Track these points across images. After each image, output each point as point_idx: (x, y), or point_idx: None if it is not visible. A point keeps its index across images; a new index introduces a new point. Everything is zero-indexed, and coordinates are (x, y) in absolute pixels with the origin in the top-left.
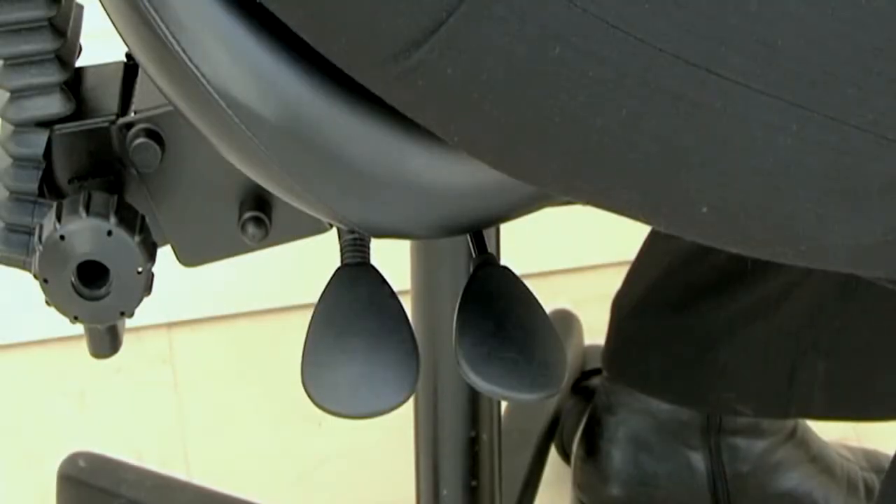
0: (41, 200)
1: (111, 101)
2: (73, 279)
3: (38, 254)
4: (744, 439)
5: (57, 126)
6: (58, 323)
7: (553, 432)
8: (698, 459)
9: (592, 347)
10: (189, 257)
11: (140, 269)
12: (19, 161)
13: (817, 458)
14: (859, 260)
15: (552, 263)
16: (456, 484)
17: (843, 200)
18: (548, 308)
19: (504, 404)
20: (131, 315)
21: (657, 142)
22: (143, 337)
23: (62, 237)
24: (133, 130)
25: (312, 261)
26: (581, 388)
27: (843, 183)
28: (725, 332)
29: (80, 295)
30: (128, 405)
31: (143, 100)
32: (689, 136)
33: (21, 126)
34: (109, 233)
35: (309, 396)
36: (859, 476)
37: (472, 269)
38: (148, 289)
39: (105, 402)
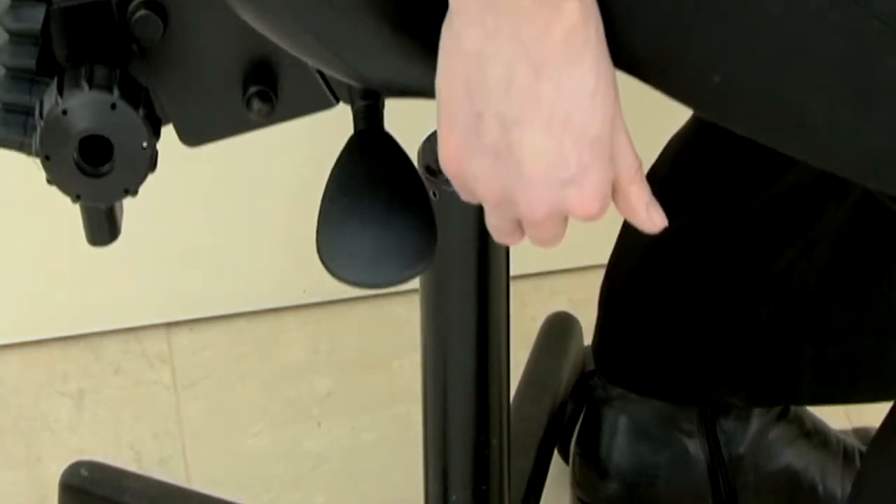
0: (39, 78)
1: None
2: (75, 155)
3: (38, 130)
4: (737, 421)
5: (55, 0)
6: (57, 323)
7: (556, 434)
8: (695, 445)
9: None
10: (192, 136)
11: (145, 144)
12: (17, 37)
13: (812, 433)
14: (861, 165)
15: (552, 263)
16: (465, 488)
17: (851, 95)
18: (547, 309)
19: (512, 408)
20: (135, 193)
21: (669, 3)
22: (141, 337)
23: (64, 112)
24: (134, 3)
25: (312, 262)
26: (582, 389)
27: (854, 75)
28: (713, 326)
29: (83, 172)
30: (126, 405)
31: None
32: None
33: (18, 0)
34: (113, 106)
35: (325, 267)
36: (855, 449)
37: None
38: (152, 166)
39: (104, 402)
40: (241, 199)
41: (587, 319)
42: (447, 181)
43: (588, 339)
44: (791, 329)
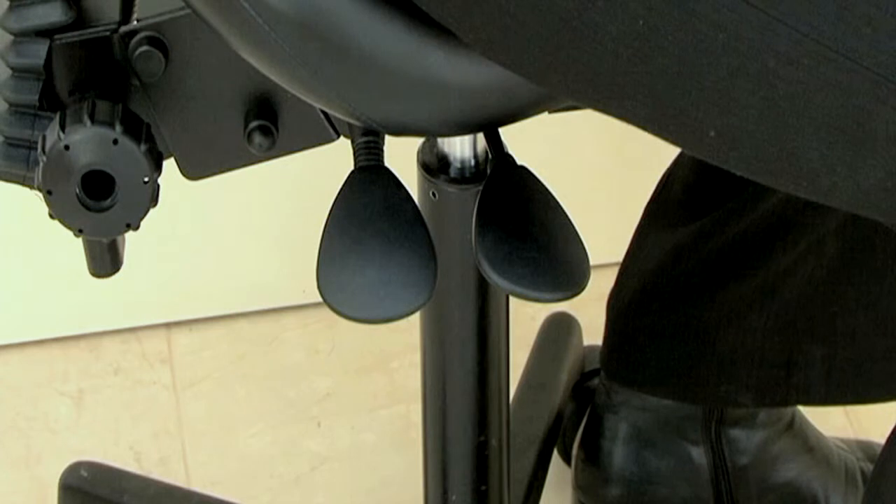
0: (41, 113)
1: (112, 10)
2: (77, 190)
3: (41, 165)
4: (742, 431)
5: (57, 35)
6: (57, 323)
7: (556, 434)
8: (700, 454)
9: (592, 348)
10: (193, 169)
11: (146, 179)
12: (19, 72)
13: (815, 448)
14: (858, 202)
15: None
16: (465, 489)
17: (847, 143)
18: (547, 309)
19: (511, 409)
20: (137, 228)
21: (670, 58)
22: (141, 337)
23: (67, 147)
24: (135, 39)
25: (312, 261)
26: (581, 389)
27: (849, 125)
28: (721, 325)
29: (86, 206)
30: (126, 406)
31: (146, 7)
32: (701, 55)
33: (21, 35)
34: (115, 141)
35: (326, 302)
36: (857, 466)
37: (490, 169)
38: (154, 200)
39: (103, 402)
40: (241, 199)
41: (587, 319)
42: (446, 181)
43: (588, 340)
44: (800, 328)
